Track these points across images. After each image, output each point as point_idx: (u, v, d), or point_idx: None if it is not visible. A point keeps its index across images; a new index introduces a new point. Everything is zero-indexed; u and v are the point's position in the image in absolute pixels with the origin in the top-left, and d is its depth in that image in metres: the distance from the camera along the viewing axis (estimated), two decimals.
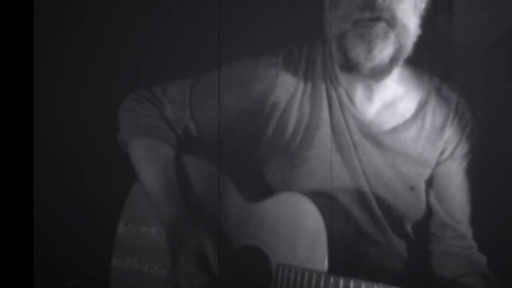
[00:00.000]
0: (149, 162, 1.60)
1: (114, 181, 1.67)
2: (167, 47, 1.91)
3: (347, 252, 1.48)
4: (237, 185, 1.59)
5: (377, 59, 1.45)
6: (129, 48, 1.87)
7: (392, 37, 1.44)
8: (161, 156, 1.61)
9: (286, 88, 1.57)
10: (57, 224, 1.69)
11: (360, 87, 1.54)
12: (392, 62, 1.47)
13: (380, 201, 1.57)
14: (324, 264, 1.42)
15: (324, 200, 1.50)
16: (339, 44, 1.47)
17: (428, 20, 1.49)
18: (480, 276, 1.54)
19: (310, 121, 1.57)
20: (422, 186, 1.59)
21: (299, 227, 1.46)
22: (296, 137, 1.57)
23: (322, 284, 1.39)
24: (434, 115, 1.57)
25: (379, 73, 1.48)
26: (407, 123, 1.57)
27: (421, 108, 1.57)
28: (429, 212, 1.60)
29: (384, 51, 1.44)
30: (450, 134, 1.57)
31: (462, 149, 1.58)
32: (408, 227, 1.61)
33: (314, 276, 1.41)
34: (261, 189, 1.57)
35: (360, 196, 1.56)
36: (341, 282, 1.37)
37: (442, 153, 1.58)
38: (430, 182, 1.60)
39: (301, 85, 1.58)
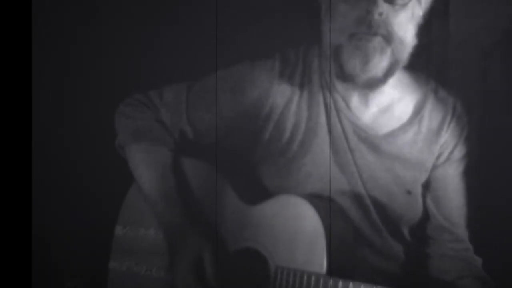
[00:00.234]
0: (147, 165, 1.60)
1: (112, 183, 1.67)
2: (163, 51, 1.92)
3: (345, 254, 1.48)
4: (235, 187, 1.59)
5: (372, 72, 1.46)
6: (126, 52, 1.88)
7: (388, 51, 1.45)
8: (159, 160, 1.61)
9: (283, 92, 1.58)
10: (56, 227, 1.69)
11: (356, 93, 1.55)
12: (387, 74, 1.48)
13: (377, 204, 1.57)
14: (322, 267, 1.42)
15: (322, 202, 1.50)
16: (334, 56, 1.48)
17: (425, 27, 1.50)
18: (476, 279, 1.55)
19: (307, 126, 1.57)
20: (418, 190, 1.60)
21: (297, 230, 1.46)
22: (294, 142, 1.57)
23: (320, 286, 1.39)
24: (431, 118, 1.58)
25: (374, 84, 1.50)
26: (404, 127, 1.58)
27: (417, 112, 1.58)
28: (426, 215, 1.61)
29: (379, 65, 1.46)
30: (446, 137, 1.58)
31: (458, 153, 1.58)
32: (405, 230, 1.62)
33: (313, 278, 1.41)
34: (259, 192, 1.57)
35: (357, 199, 1.56)
36: (340, 284, 1.37)
37: (438, 156, 1.58)
38: (426, 186, 1.60)
39: (297, 90, 1.58)
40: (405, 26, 1.46)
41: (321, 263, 1.42)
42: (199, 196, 1.60)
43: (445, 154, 1.58)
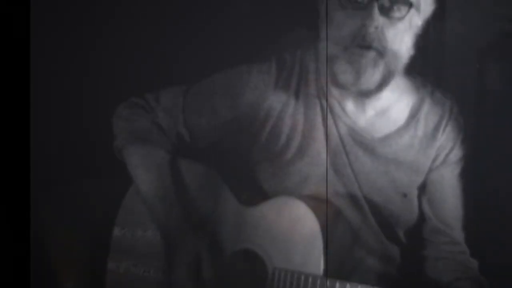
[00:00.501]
0: (145, 168, 1.60)
1: (110, 184, 1.67)
2: (161, 54, 1.92)
3: (342, 256, 1.49)
4: (233, 189, 1.59)
5: (364, 85, 1.48)
6: (124, 55, 1.88)
7: (381, 65, 1.46)
8: (157, 162, 1.61)
9: (279, 95, 1.58)
10: (54, 228, 1.69)
11: (351, 98, 1.56)
12: (381, 86, 1.50)
13: (373, 207, 1.58)
14: (319, 268, 1.43)
15: (319, 204, 1.51)
16: (329, 65, 1.49)
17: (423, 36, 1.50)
18: (472, 281, 1.55)
19: (304, 129, 1.58)
20: (414, 193, 1.60)
21: (294, 231, 1.47)
22: (290, 145, 1.58)
23: (317, 287, 1.40)
24: (427, 121, 1.59)
25: (368, 94, 1.52)
26: (400, 130, 1.58)
27: (413, 115, 1.59)
28: (422, 217, 1.62)
29: (371, 79, 1.47)
30: (442, 140, 1.58)
31: (455, 156, 1.59)
32: (401, 233, 1.62)
33: (310, 279, 1.41)
34: (256, 194, 1.58)
35: (354, 202, 1.57)
36: (337, 285, 1.38)
37: (434, 159, 1.59)
38: (422, 188, 1.61)
39: (294, 93, 1.59)
40: (401, 38, 1.47)
41: (318, 265, 1.43)
42: (197, 197, 1.61)
43: (441, 157, 1.59)
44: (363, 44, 1.44)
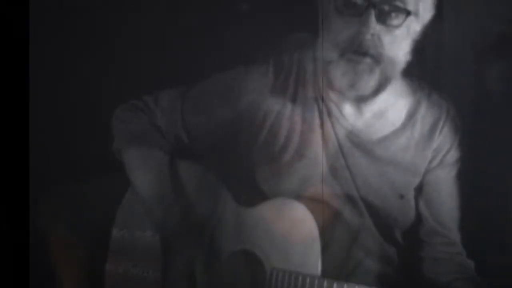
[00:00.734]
0: (143, 170, 1.61)
1: (110, 185, 1.68)
2: (159, 56, 1.92)
3: (340, 257, 1.50)
4: (232, 190, 1.60)
5: (359, 92, 1.49)
6: (123, 57, 1.88)
7: (377, 72, 1.47)
8: (155, 164, 1.61)
9: (277, 98, 1.59)
10: (53, 228, 1.69)
11: (348, 101, 1.57)
12: (376, 91, 1.51)
13: (370, 208, 1.58)
14: (317, 268, 1.44)
15: (317, 205, 1.52)
16: (325, 70, 1.51)
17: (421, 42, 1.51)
18: (469, 282, 1.56)
19: (301, 131, 1.58)
20: (411, 194, 1.61)
21: (293, 232, 1.48)
22: (288, 146, 1.59)
23: None
24: (424, 123, 1.59)
25: (364, 99, 1.53)
26: (397, 132, 1.59)
27: (410, 116, 1.60)
28: (419, 219, 1.62)
29: (367, 85, 1.48)
30: (439, 142, 1.59)
31: (451, 157, 1.60)
32: (398, 234, 1.63)
33: (308, 280, 1.42)
34: (255, 195, 1.59)
35: (351, 203, 1.58)
36: (334, 286, 1.39)
37: (431, 160, 1.60)
38: (419, 190, 1.62)
39: (291, 95, 1.59)
40: (398, 44, 1.47)
41: (316, 265, 1.44)
42: (195, 198, 1.61)
43: (438, 158, 1.59)
44: (360, 51, 1.45)
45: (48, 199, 1.63)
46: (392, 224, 1.61)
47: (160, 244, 1.55)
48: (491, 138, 1.61)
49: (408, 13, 1.44)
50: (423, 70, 1.63)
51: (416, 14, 1.47)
